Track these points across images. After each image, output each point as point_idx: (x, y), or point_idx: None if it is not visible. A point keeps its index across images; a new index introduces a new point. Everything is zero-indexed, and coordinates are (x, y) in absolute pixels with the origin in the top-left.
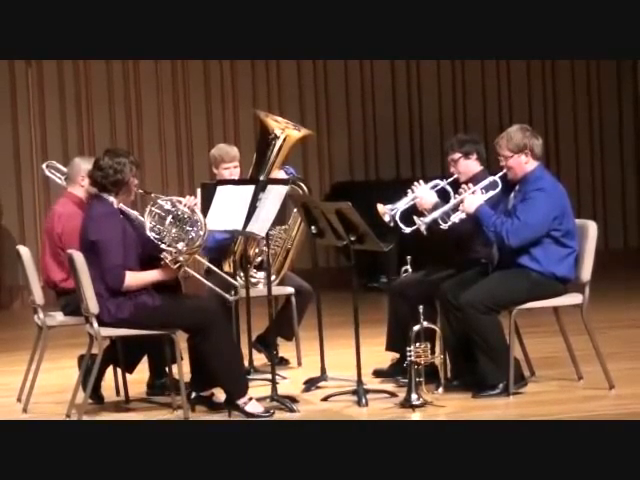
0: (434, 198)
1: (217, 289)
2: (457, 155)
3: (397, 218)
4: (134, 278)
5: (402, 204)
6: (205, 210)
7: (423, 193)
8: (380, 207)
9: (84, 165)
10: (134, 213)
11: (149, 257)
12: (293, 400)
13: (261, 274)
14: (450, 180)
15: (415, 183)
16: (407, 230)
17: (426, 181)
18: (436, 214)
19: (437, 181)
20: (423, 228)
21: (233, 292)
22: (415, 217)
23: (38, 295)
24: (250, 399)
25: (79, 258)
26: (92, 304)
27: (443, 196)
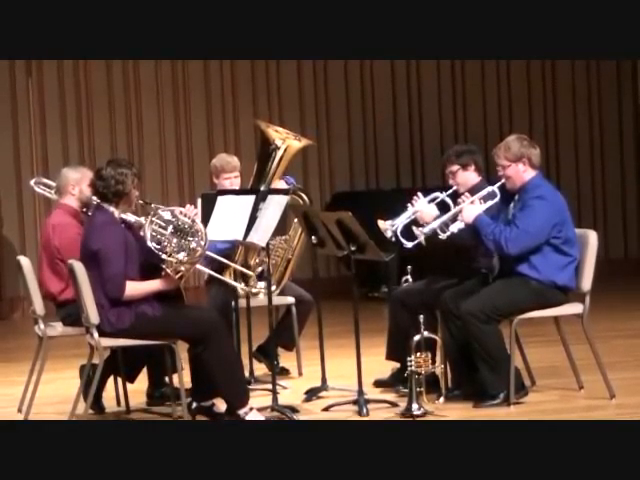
0: (434, 211)
1: (228, 280)
2: (455, 167)
3: (398, 233)
4: (135, 288)
5: (402, 219)
6: (206, 220)
7: (423, 207)
8: (381, 223)
9: (72, 174)
10: (138, 220)
11: (150, 267)
12: (294, 410)
13: (261, 284)
14: (449, 192)
15: (415, 197)
16: (409, 245)
17: (425, 193)
18: (435, 224)
19: (437, 194)
20: (422, 238)
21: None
22: (414, 227)
23: (39, 306)
24: (251, 409)
25: (80, 268)
26: (92, 314)
27: (443, 208)
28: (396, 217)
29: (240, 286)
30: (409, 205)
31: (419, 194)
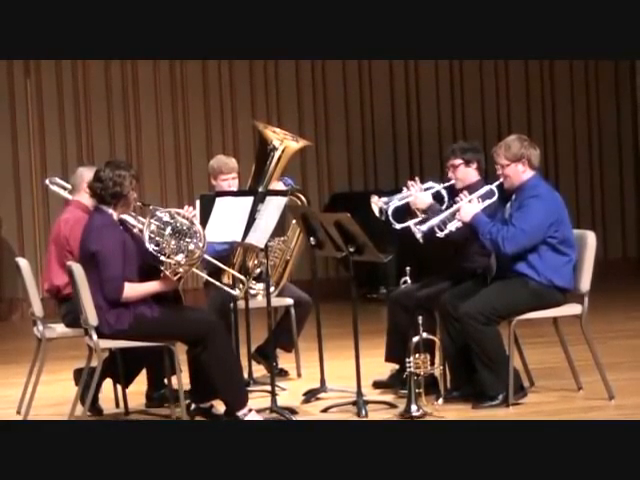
0: (429, 199)
1: (223, 286)
2: (458, 161)
3: (389, 213)
4: (133, 289)
5: (396, 200)
6: (204, 221)
7: (418, 193)
8: (374, 198)
9: (87, 173)
10: (138, 223)
11: (149, 268)
12: (292, 411)
13: (260, 285)
14: (446, 185)
15: (411, 182)
16: (397, 226)
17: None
18: (433, 222)
19: (432, 183)
20: (419, 236)
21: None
22: (412, 225)
23: (37, 307)
24: (250, 410)
25: (78, 270)
26: (91, 316)
27: (437, 200)
28: (391, 197)
29: (236, 293)
30: (404, 188)
31: (416, 179)
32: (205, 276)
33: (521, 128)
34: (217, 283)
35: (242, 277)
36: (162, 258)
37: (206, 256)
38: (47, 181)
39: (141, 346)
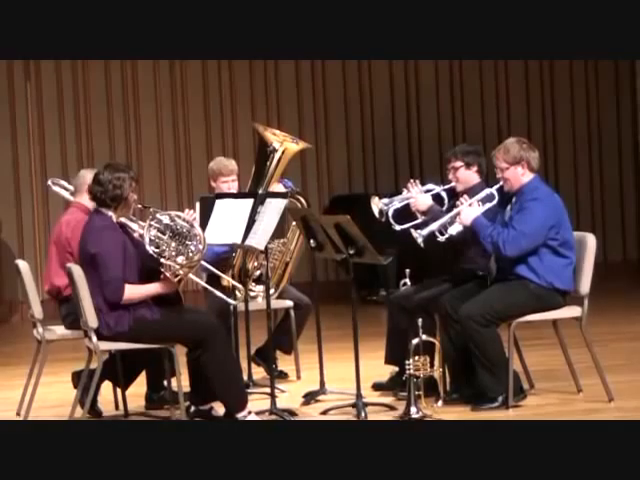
0: (429, 201)
1: (220, 294)
2: (459, 163)
3: (390, 214)
4: (133, 291)
5: (396, 201)
6: (204, 224)
7: (418, 194)
8: (375, 199)
9: (90, 175)
10: (139, 228)
11: (149, 271)
12: (292, 413)
13: (260, 287)
14: (446, 187)
15: (411, 181)
16: (397, 228)
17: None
18: (433, 227)
19: (432, 185)
20: (420, 241)
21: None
22: (412, 230)
23: (37, 309)
24: (249, 412)
25: (78, 272)
26: (91, 318)
27: (437, 201)
28: (391, 198)
29: (234, 303)
30: (404, 189)
31: (416, 181)
32: (203, 283)
33: (521, 128)
34: (214, 291)
35: (240, 285)
36: (162, 260)
37: (205, 264)
38: (49, 182)
39: (141, 348)
